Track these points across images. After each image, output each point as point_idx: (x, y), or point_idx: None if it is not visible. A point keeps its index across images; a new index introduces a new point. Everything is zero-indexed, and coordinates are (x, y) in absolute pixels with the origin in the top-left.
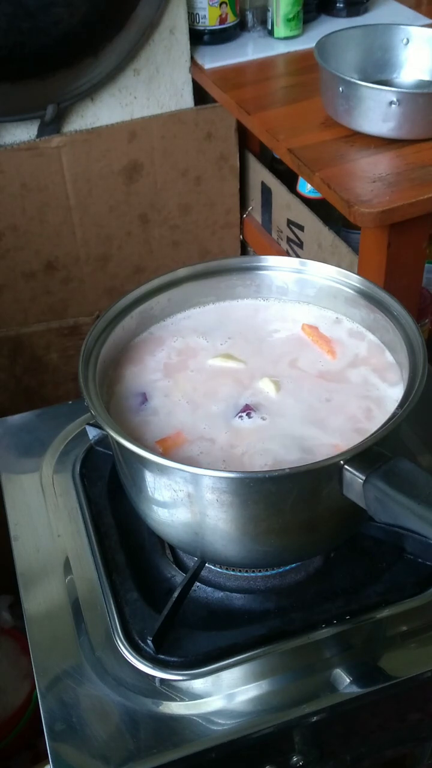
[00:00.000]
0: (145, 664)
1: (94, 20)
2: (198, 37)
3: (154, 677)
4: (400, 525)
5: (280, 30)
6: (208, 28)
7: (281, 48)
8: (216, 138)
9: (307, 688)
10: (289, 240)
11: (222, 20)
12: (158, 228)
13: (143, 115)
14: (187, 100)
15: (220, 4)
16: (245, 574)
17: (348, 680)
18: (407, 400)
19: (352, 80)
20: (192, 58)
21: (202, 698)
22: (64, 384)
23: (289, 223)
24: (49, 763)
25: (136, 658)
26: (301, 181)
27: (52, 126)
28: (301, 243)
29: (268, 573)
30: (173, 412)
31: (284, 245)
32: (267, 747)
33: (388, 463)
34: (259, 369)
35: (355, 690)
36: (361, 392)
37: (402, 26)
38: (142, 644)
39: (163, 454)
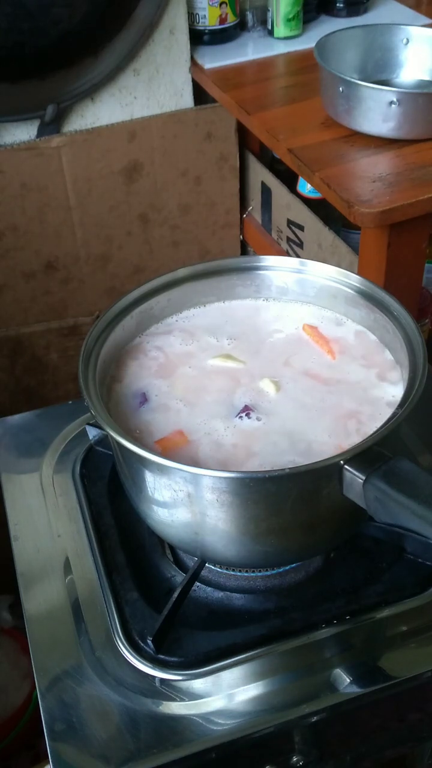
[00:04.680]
0: (145, 664)
1: (94, 20)
2: (198, 37)
3: (154, 677)
4: (400, 525)
5: (280, 30)
6: (208, 28)
7: (281, 48)
8: (216, 138)
9: (307, 688)
10: (289, 240)
11: (222, 20)
12: (158, 228)
13: (143, 115)
14: (187, 100)
15: (220, 4)
16: (245, 574)
17: (348, 680)
18: (407, 400)
19: (352, 80)
20: (192, 58)
21: (202, 698)
22: (64, 384)
23: (289, 223)
24: (49, 763)
25: (136, 658)
26: (301, 181)
27: (52, 126)
28: (301, 243)
29: (268, 573)
30: (173, 412)
31: (284, 245)
32: (267, 747)
33: (388, 463)
34: (259, 369)
35: (355, 690)
36: (361, 392)
37: (402, 26)
38: (142, 644)
39: (163, 454)
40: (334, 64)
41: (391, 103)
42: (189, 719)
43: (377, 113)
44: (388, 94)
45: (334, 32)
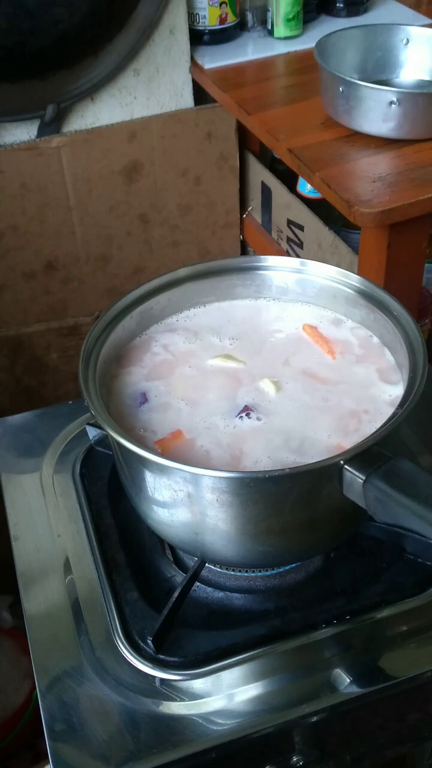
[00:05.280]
0: (145, 664)
1: (94, 20)
2: (198, 37)
3: (154, 677)
4: (400, 525)
5: (280, 30)
6: (208, 28)
7: (281, 48)
8: (216, 138)
9: (307, 688)
10: (289, 240)
11: (222, 20)
12: (158, 228)
13: (143, 115)
14: (187, 100)
15: (220, 4)
16: (245, 574)
17: (348, 680)
18: (407, 400)
19: (352, 80)
20: (192, 58)
21: (202, 698)
22: (64, 384)
23: (289, 223)
24: (49, 763)
25: (136, 658)
26: (301, 181)
27: (52, 126)
28: (301, 243)
29: (268, 573)
30: (173, 412)
31: (284, 245)
32: (267, 747)
33: (388, 463)
34: (259, 369)
35: (355, 690)
36: (360, 392)
37: (402, 26)
38: (142, 644)
39: (163, 454)
40: (335, 64)
41: (391, 103)
42: (189, 719)
43: (377, 113)
44: (388, 94)
45: (333, 32)
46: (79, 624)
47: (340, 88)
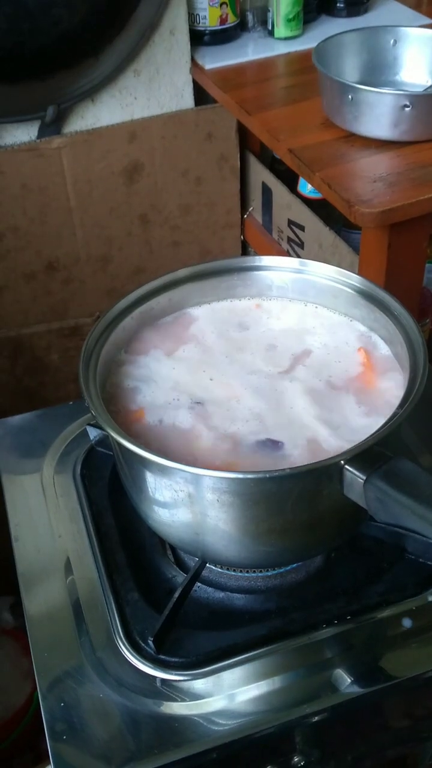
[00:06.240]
0: (146, 665)
1: (94, 21)
2: (198, 38)
3: (155, 677)
4: (400, 525)
5: (281, 30)
6: (208, 28)
7: (281, 48)
8: (216, 138)
9: (308, 688)
10: (289, 240)
11: (222, 21)
12: (159, 228)
13: (144, 115)
14: (187, 101)
15: (221, 5)
16: (246, 575)
17: (349, 680)
18: (407, 399)
19: (361, 87)
20: (192, 59)
21: (203, 698)
22: (65, 385)
23: (290, 223)
24: (50, 763)
25: (137, 659)
26: (301, 181)
27: (52, 127)
28: (302, 243)
29: (268, 573)
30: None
31: (285, 245)
32: (268, 747)
33: (389, 463)
34: (259, 369)
35: (356, 690)
36: (361, 391)
37: (399, 27)
38: (143, 644)
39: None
40: (334, 67)
41: (405, 106)
42: (190, 719)
43: (389, 118)
44: (400, 98)
45: (329, 38)
46: (79, 624)
47: (349, 96)
